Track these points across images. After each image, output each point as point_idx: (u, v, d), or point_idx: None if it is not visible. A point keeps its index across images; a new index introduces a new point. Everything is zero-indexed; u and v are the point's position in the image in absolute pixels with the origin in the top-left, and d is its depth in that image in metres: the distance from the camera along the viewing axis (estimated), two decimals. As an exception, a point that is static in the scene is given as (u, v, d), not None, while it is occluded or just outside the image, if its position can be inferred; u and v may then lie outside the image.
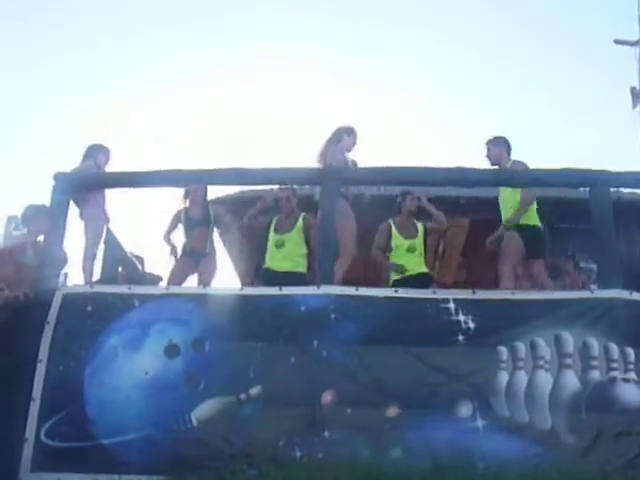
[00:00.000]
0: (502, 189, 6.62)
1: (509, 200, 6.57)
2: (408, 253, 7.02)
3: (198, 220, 7.36)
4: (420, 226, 7.13)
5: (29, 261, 6.00)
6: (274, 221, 7.14)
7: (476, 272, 7.49)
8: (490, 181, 6.45)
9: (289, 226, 7.02)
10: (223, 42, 32.81)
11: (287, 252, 6.88)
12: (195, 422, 4.81)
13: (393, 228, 7.12)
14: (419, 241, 7.11)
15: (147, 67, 32.40)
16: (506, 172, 6.27)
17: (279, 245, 6.94)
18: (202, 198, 7.47)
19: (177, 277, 7.14)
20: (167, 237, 7.47)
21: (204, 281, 7.04)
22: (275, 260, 6.92)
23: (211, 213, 7.47)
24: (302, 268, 6.73)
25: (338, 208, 5.78)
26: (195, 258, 7.25)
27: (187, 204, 7.46)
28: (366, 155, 7.16)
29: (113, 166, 7.11)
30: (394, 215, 7.19)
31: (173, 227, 7.49)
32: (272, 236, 7.04)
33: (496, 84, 33.42)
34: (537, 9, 31.18)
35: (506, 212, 6.59)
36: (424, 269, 6.97)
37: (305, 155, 7.34)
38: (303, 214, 7.04)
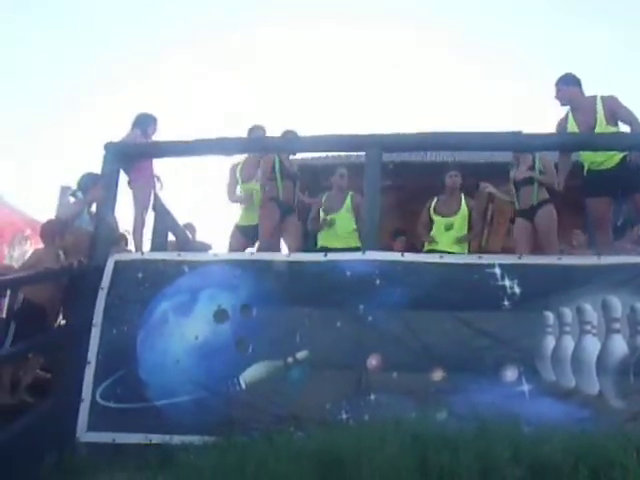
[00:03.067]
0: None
1: None
2: (445, 231, 7.04)
3: (292, 173, 7.36)
4: (464, 203, 7.11)
5: (84, 226, 6.16)
6: (323, 199, 7.31)
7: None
8: (545, 146, 6.32)
9: (339, 204, 7.21)
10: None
11: (339, 231, 7.08)
12: (244, 385, 4.92)
13: (432, 206, 7.15)
14: (459, 219, 7.10)
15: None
16: (560, 136, 6.10)
17: (330, 224, 7.12)
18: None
19: (270, 223, 7.09)
20: (266, 179, 7.27)
21: (289, 240, 7.11)
22: (327, 239, 7.09)
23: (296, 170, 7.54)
24: (355, 244, 6.72)
25: None
26: (284, 209, 7.18)
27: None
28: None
29: (161, 135, 7.21)
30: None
31: (270, 171, 7.32)
32: (322, 215, 7.23)
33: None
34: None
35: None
36: (455, 249, 6.93)
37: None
38: (351, 193, 7.18)
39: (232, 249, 7.15)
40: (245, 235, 7.40)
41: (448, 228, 7.00)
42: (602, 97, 6.03)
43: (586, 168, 6.07)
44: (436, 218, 7.08)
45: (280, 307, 5.11)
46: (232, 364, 4.99)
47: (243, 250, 7.16)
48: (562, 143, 5.99)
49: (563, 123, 6.19)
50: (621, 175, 5.47)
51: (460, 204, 7.13)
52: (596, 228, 6.25)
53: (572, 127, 6.07)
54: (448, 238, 6.93)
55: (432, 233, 7.00)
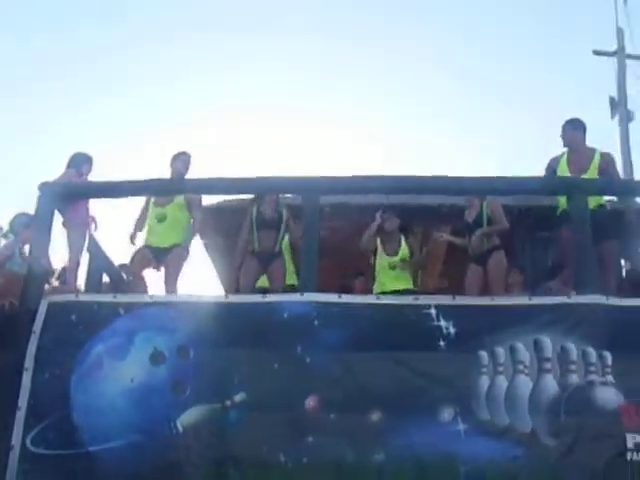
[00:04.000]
0: None
1: None
2: (391, 270, 7.26)
3: (268, 221, 7.33)
4: (404, 243, 7.38)
5: (17, 269, 6.03)
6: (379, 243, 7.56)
7: (458, 279, 7.56)
8: (475, 190, 6.53)
9: (396, 249, 7.51)
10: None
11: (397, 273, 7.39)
12: (181, 428, 4.84)
13: (378, 245, 7.43)
14: (400, 257, 7.44)
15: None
16: (489, 180, 6.31)
17: (392, 267, 7.42)
18: (276, 198, 7.47)
19: (248, 280, 7.16)
20: (244, 240, 7.37)
21: (274, 284, 7.08)
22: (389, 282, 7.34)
23: (283, 215, 7.45)
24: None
25: None
26: (264, 259, 7.21)
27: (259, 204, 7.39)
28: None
29: (96, 175, 7.15)
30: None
31: (249, 229, 7.39)
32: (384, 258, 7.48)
33: (475, 97, 33.64)
34: (514, 22, 31.63)
35: None
36: (401, 285, 7.14)
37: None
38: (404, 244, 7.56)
39: (136, 264, 7.08)
40: (154, 254, 7.10)
41: (393, 267, 7.20)
42: (602, 153, 6.45)
43: (561, 209, 6.30)
44: (381, 259, 7.35)
45: (218, 349, 5.06)
46: (169, 407, 4.91)
47: (149, 266, 7.06)
48: (492, 187, 6.16)
49: (554, 163, 6.43)
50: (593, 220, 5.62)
51: (400, 244, 7.46)
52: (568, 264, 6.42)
53: (563, 167, 6.38)
54: (394, 276, 7.30)
55: (377, 272, 7.20)
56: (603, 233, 5.93)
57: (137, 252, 7.13)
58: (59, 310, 5.37)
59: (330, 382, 4.92)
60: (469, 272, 7.06)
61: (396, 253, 7.44)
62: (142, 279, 6.99)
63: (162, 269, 7.05)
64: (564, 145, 6.56)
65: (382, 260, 7.45)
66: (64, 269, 7.19)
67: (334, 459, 4.55)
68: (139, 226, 7.27)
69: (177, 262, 6.98)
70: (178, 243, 7.03)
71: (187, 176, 7.23)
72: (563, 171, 6.42)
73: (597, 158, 6.32)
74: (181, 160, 7.30)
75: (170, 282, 6.83)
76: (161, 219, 7.03)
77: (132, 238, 7.25)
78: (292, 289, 6.58)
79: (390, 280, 7.29)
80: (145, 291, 6.95)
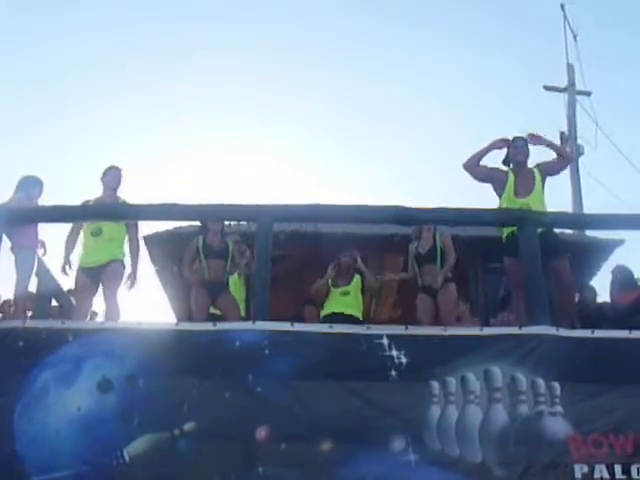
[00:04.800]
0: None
1: None
2: (341, 296, 7.40)
3: (217, 251, 7.15)
4: (357, 276, 7.52)
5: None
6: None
7: (411, 309, 7.60)
8: (426, 220, 6.61)
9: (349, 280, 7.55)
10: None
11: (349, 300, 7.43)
12: (128, 458, 4.75)
13: (330, 280, 7.50)
14: (353, 286, 7.52)
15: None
16: (441, 211, 6.36)
17: (344, 293, 7.44)
18: (221, 228, 7.30)
19: (201, 309, 6.97)
20: (188, 269, 7.20)
21: (228, 317, 6.78)
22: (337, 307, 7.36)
23: (230, 245, 7.29)
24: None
25: None
26: (213, 290, 7.04)
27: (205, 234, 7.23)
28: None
29: (45, 199, 7.02)
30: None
31: (193, 258, 7.22)
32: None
33: (414, 134, 34.03)
34: (465, 52, 32.26)
35: None
36: (352, 312, 7.18)
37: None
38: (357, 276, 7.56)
39: (78, 292, 6.84)
40: (90, 277, 6.77)
41: (344, 294, 7.37)
42: (537, 165, 6.51)
43: (506, 234, 6.30)
44: (333, 290, 7.44)
45: (168, 377, 5.00)
46: (116, 436, 4.82)
47: (89, 293, 6.78)
48: (444, 218, 6.23)
49: (502, 176, 6.47)
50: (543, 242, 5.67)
51: (353, 275, 7.52)
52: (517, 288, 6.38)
53: (510, 186, 6.40)
54: (344, 302, 7.31)
55: (328, 302, 7.23)
56: (554, 253, 6.02)
57: (75, 280, 6.87)
58: (5, 336, 5.25)
59: (281, 412, 4.89)
60: (419, 302, 7.08)
61: (348, 283, 7.51)
62: (88, 306, 6.83)
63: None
64: (519, 160, 6.56)
65: (334, 290, 7.49)
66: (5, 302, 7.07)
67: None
68: (70, 247, 6.94)
69: (114, 278, 6.72)
70: (114, 259, 6.76)
71: (118, 191, 7.08)
72: (510, 192, 6.43)
73: (537, 175, 6.43)
74: (112, 174, 7.06)
75: (109, 298, 6.61)
76: (96, 233, 6.72)
77: (64, 267, 6.90)
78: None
79: (338, 305, 7.30)
80: (93, 317, 6.83)
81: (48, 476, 4.72)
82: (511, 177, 6.40)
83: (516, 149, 6.52)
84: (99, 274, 6.67)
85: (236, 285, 7.42)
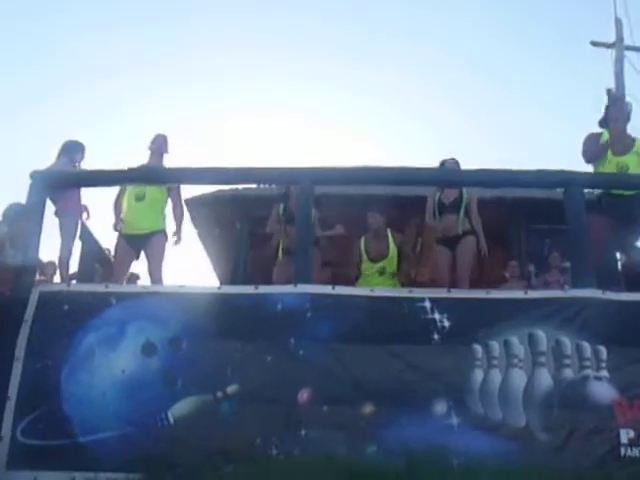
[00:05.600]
0: None
1: None
2: (379, 276, 7.14)
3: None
4: (392, 243, 7.20)
5: (8, 260, 5.97)
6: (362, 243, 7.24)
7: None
8: (470, 182, 6.49)
9: (384, 251, 7.20)
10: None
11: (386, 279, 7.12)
12: (172, 420, 4.81)
13: (362, 247, 7.24)
14: (389, 261, 7.19)
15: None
16: (484, 172, 6.30)
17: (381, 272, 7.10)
18: None
19: (279, 278, 6.91)
20: (274, 225, 7.20)
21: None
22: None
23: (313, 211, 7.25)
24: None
25: None
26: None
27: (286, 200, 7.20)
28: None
29: (88, 164, 7.09)
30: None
31: (277, 220, 7.24)
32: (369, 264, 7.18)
33: (474, 90, 33.59)
34: (512, 12, 31.54)
35: None
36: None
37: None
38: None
39: (117, 258, 6.91)
40: (131, 244, 6.89)
41: (381, 273, 7.08)
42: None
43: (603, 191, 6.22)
44: (367, 264, 7.15)
45: (210, 340, 5.03)
46: (160, 398, 4.88)
47: (129, 259, 6.88)
48: (487, 179, 6.13)
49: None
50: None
51: (388, 246, 7.19)
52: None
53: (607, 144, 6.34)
54: (382, 282, 6.99)
55: (365, 277, 7.09)
56: None
57: (116, 246, 6.95)
58: (51, 300, 5.32)
59: (323, 375, 4.89)
60: (438, 255, 6.96)
61: (384, 257, 7.20)
62: (125, 272, 6.87)
63: (142, 256, 6.91)
64: (618, 122, 6.45)
65: (367, 265, 7.21)
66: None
67: (326, 452, 4.52)
68: (119, 209, 7.07)
69: (158, 250, 6.81)
70: (157, 230, 6.85)
71: (165, 157, 7.16)
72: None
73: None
74: (158, 141, 7.17)
75: (154, 272, 6.69)
76: (139, 197, 6.83)
77: (116, 225, 7.04)
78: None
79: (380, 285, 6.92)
80: (134, 280, 6.86)
81: (95, 436, 4.81)
82: (606, 135, 6.28)
83: (615, 108, 6.40)
84: (140, 243, 6.75)
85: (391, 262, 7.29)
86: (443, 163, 6.77)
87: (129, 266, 6.90)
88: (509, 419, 4.75)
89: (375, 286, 6.78)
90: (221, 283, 8.19)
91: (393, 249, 7.19)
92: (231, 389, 4.87)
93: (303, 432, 4.73)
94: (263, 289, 5.31)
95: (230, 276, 9.60)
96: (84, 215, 6.98)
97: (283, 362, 4.93)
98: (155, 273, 6.64)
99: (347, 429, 4.73)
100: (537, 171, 5.86)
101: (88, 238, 7.12)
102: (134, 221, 6.86)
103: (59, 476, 4.65)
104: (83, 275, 7.00)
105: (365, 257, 7.19)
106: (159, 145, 7.12)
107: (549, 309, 5.06)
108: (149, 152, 7.14)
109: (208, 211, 8.70)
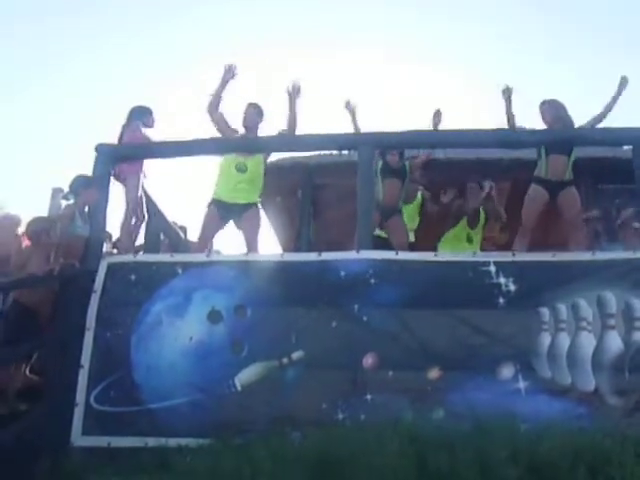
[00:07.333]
0: None
1: None
2: (465, 243, 7.23)
3: (394, 169, 7.00)
4: (420, 194, 7.45)
5: (78, 231, 6.10)
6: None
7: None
8: (534, 142, 6.31)
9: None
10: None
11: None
12: (239, 387, 4.89)
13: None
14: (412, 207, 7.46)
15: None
16: (549, 132, 6.15)
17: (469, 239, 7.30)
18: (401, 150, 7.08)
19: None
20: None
21: (394, 239, 6.75)
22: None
23: (406, 165, 7.09)
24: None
25: None
26: (386, 213, 6.91)
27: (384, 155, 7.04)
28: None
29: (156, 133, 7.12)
30: None
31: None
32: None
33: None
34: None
35: None
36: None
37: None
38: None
39: (206, 224, 6.71)
40: (222, 212, 6.69)
41: (469, 239, 7.26)
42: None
43: None
44: (458, 229, 7.31)
45: (275, 307, 5.08)
46: (227, 365, 4.96)
47: (217, 226, 6.73)
48: (552, 139, 6.00)
49: None
50: None
51: (416, 194, 7.49)
52: None
53: None
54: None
55: (446, 238, 7.27)
56: None
57: (206, 214, 6.74)
58: (118, 270, 5.44)
59: (388, 340, 4.89)
60: (533, 193, 6.43)
61: (476, 225, 7.32)
62: (211, 239, 6.82)
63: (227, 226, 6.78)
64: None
65: (459, 229, 7.28)
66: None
67: (392, 416, 4.52)
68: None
69: (255, 223, 6.71)
70: (254, 202, 6.74)
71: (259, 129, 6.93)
72: None
73: None
74: (256, 113, 6.86)
75: (252, 243, 6.56)
76: (241, 169, 6.65)
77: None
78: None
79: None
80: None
81: (165, 403, 4.91)
82: None
83: None
84: (233, 213, 6.65)
85: (409, 214, 7.36)
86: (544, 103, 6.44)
87: (215, 233, 6.79)
88: (578, 383, 4.68)
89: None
90: (284, 251, 8.17)
91: (419, 197, 7.51)
92: (296, 355, 4.91)
93: (368, 396, 4.75)
94: (326, 256, 5.31)
95: (293, 244, 9.62)
96: (142, 175, 6.93)
97: (347, 328, 4.95)
98: (252, 244, 6.55)
99: (413, 394, 4.73)
100: (605, 129, 5.70)
101: (153, 209, 7.20)
102: (231, 192, 6.69)
103: (131, 441, 4.77)
104: (149, 246, 7.10)
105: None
106: (252, 117, 6.86)
107: (618, 270, 4.94)
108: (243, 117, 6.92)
109: (269, 179, 8.69)
